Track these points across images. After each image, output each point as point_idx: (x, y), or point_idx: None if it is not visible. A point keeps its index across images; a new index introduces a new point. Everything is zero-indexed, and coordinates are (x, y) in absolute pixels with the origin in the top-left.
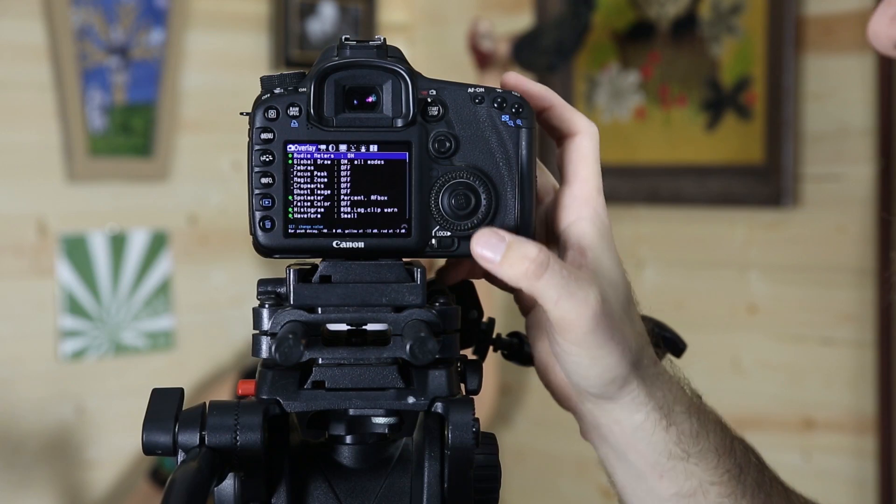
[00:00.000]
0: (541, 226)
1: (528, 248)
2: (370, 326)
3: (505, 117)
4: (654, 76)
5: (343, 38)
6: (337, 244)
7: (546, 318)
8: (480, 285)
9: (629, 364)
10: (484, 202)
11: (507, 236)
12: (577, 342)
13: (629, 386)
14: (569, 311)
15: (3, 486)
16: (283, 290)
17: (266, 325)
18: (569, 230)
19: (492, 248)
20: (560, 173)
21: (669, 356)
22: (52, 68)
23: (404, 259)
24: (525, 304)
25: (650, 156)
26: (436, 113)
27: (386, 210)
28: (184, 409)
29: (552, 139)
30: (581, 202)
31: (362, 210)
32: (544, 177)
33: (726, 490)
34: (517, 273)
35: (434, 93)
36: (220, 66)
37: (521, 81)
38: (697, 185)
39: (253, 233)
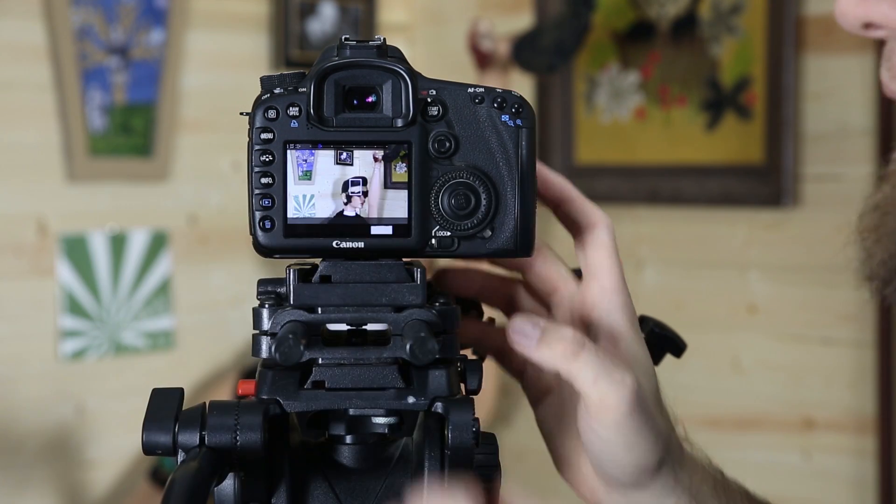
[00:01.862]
0: (564, 315)
1: (564, 329)
2: (370, 326)
3: (505, 117)
4: (654, 76)
5: (343, 38)
6: (337, 244)
7: (579, 404)
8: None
9: (662, 450)
10: (484, 202)
11: (541, 321)
12: (613, 426)
13: (660, 472)
14: (607, 391)
15: (3, 486)
16: (283, 290)
17: (266, 325)
18: (601, 321)
19: (527, 333)
20: (582, 266)
21: (669, 355)
22: (52, 68)
23: (404, 259)
24: (538, 390)
25: (650, 156)
26: (436, 113)
27: None
28: (184, 409)
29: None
30: (611, 293)
31: None
32: (559, 266)
33: None
34: (555, 354)
35: (434, 93)
36: (220, 66)
37: (541, 171)
38: (697, 185)
39: (253, 233)
